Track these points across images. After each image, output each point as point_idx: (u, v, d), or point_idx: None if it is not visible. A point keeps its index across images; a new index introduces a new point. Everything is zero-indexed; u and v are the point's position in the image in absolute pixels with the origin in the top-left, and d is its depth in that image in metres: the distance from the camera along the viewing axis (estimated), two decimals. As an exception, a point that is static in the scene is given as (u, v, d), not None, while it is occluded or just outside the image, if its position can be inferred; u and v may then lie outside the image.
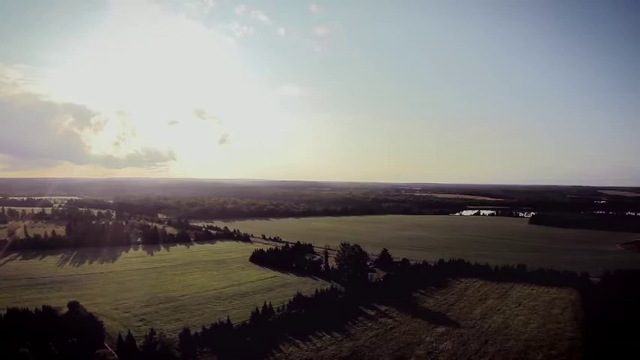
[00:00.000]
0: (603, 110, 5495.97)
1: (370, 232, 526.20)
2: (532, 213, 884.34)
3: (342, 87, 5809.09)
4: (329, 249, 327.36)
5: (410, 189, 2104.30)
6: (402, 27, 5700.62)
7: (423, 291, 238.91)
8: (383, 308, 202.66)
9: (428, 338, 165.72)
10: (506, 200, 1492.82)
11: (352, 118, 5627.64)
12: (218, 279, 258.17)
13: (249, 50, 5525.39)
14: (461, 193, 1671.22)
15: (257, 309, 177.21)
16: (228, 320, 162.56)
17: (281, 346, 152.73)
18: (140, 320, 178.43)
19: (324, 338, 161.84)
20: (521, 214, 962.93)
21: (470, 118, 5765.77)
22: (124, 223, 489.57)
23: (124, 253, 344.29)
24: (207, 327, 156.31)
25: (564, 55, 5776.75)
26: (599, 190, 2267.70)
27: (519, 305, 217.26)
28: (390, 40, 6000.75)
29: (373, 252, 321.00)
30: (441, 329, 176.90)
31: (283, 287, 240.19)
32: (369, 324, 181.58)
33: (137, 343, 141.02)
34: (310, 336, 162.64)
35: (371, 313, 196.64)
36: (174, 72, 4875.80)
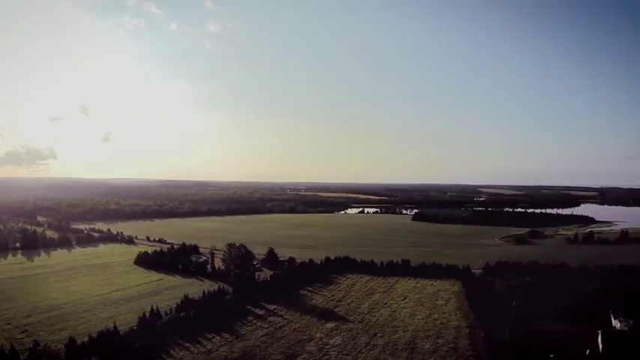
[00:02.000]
0: (482, 112, 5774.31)
1: (256, 232, 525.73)
2: (415, 210, 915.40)
3: (232, 85, 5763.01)
4: (215, 249, 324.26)
5: (295, 188, 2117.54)
6: (293, 27, 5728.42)
7: (310, 288, 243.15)
8: (272, 307, 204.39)
9: (318, 334, 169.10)
10: (390, 198, 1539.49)
11: (240, 116, 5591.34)
12: (102, 284, 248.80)
13: (140, 44, 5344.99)
14: (345, 192, 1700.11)
15: (144, 314, 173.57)
16: (115, 327, 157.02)
17: (171, 351, 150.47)
18: (22, 332, 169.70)
19: (214, 340, 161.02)
20: (404, 211, 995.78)
21: (353, 119, 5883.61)
22: (1, 228, 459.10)
23: (1, 259, 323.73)
24: (94, 335, 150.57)
25: (448, 54, 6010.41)
26: (478, 188, 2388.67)
27: (405, 298, 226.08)
28: (281, 41, 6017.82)
29: (259, 251, 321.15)
30: (330, 325, 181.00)
31: (170, 290, 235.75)
32: (259, 323, 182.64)
33: (21, 357, 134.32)
34: (200, 338, 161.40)
35: (260, 312, 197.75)
36: (59, 65, 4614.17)
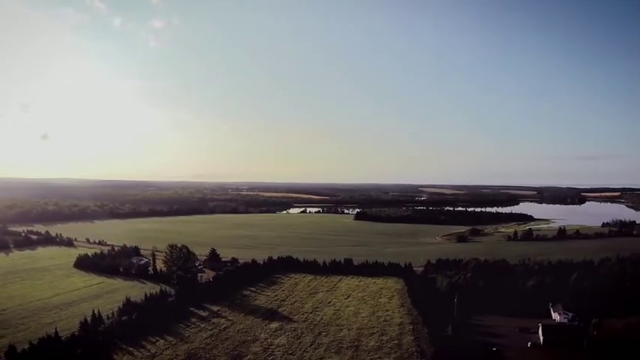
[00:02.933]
0: (422, 113, 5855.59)
1: (198, 232, 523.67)
2: (357, 210, 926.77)
3: (174, 83, 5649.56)
4: (156, 251, 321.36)
5: (237, 188, 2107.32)
6: (238, 24, 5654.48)
7: (253, 289, 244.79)
8: (215, 308, 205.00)
9: (262, 335, 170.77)
10: (332, 198, 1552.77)
11: (182, 114, 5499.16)
12: (42, 288, 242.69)
13: (83, 39, 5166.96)
14: (287, 192, 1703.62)
15: (86, 318, 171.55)
16: (57, 333, 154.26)
17: (114, 356, 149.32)
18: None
19: (158, 343, 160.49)
20: (346, 210, 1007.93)
21: (296, 118, 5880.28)
22: None
23: None
24: (35, 342, 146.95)
25: (385, 54, 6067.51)
26: (419, 188, 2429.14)
27: (349, 297, 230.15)
28: (226, 38, 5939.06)
29: (202, 252, 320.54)
30: (274, 325, 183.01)
31: (111, 293, 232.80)
32: (203, 325, 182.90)
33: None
34: (143, 342, 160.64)
35: (203, 314, 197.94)
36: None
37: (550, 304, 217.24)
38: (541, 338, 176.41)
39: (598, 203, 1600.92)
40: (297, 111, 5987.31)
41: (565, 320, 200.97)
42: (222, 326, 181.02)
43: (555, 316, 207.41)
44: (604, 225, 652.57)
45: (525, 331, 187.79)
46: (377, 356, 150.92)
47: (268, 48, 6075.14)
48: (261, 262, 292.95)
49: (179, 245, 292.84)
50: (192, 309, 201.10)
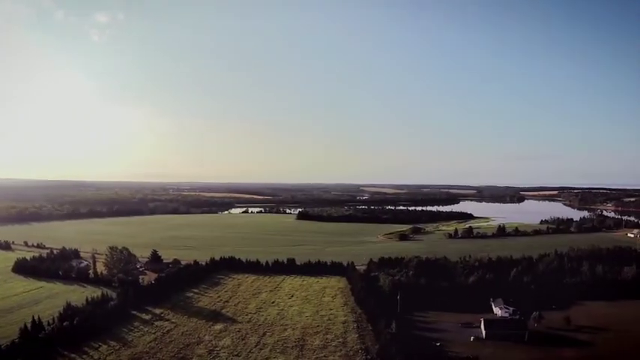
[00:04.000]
0: (365, 112, 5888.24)
1: (139, 234, 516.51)
2: (299, 209, 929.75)
3: (116, 79, 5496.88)
4: (97, 253, 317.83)
5: (178, 188, 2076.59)
6: (183, 21, 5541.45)
7: (196, 290, 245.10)
8: (158, 311, 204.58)
9: (207, 337, 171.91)
10: (274, 198, 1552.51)
11: (123, 112, 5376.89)
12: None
13: (25, 32, 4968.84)
14: (229, 192, 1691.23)
15: (25, 325, 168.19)
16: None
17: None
18: None
19: (100, 349, 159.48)
20: (288, 210, 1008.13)
21: (237, 117, 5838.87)
22: None
23: None
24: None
25: (330, 53, 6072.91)
26: (361, 187, 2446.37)
27: (292, 296, 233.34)
28: (171, 35, 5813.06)
29: (143, 254, 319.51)
30: (218, 326, 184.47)
31: (51, 298, 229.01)
32: (146, 329, 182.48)
33: None
34: (86, 348, 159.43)
35: (146, 317, 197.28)
36: None
37: (491, 299, 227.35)
38: (483, 332, 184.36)
39: (536, 202, 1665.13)
40: (238, 109, 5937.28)
41: (506, 314, 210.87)
42: (166, 329, 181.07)
43: (497, 310, 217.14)
44: (542, 222, 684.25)
45: (468, 326, 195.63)
46: (322, 355, 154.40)
47: (209, 44, 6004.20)
48: (204, 263, 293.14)
49: (120, 247, 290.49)
50: (134, 312, 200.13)
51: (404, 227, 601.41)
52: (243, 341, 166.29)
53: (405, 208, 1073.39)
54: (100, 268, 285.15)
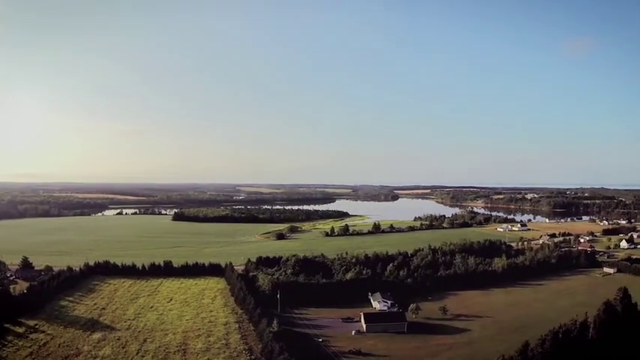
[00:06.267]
0: (238, 111, 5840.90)
1: (7, 239, 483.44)
2: (174, 210, 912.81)
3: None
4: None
5: (48, 189, 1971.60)
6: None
7: (71, 298, 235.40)
8: (32, 323, 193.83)
9: (86, 347, 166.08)
10: (149, 199, 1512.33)
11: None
12: None
13: None
14: (102, 193, 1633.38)
15: None
16: None
17: None
18: None
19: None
20: (163, 211, 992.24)
21: (107, 115, 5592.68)
22: None
23: None
24: None
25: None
26: (237, 187, 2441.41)
27: (171, 300, 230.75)
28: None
29: (13, 261, 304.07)
30: (97, 335, 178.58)
31: None
32: (21, 342, 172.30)
33: None
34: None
35: (20, 330, 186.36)
36: None
37: (370, 294, 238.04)
38: (364, 326, 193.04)
39: (410, 200, 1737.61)
40: (107, 107, 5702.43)
41: (385, 307, 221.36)
42: (42, 342, 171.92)
43: (376, 304, 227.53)
44: (416, 219, 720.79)
45: (349, 321, 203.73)
46: (206, 358, 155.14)
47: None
48: (78, 269, 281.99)
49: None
50: (6, 325, 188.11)
51: (281, 226, 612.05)
52: (124, 349, 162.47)
53: (282, 207, 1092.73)
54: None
